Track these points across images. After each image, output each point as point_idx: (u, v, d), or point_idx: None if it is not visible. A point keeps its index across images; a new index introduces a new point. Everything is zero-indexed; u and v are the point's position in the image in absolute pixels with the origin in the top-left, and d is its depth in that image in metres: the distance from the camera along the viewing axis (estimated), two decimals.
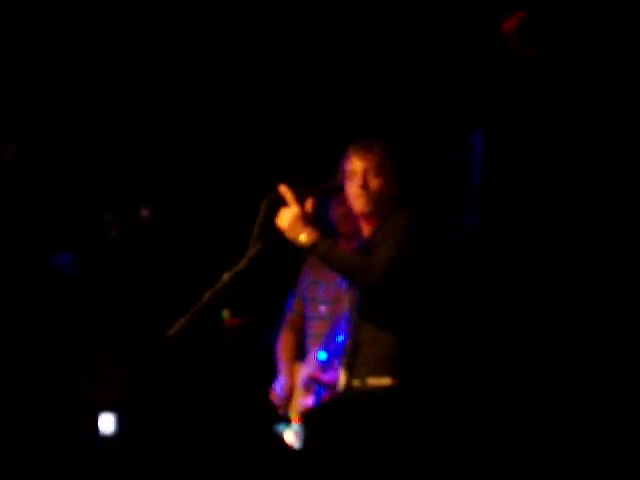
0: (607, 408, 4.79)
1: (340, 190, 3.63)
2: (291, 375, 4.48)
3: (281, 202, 3.52)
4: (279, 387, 4.46)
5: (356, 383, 3.56)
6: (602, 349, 4.92)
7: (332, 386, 4.11)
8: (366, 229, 3.66)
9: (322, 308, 4.39)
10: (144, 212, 5.24)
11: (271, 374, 4.59)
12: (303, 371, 4.41)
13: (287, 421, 4.37)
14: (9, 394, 5.05)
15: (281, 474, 4.39)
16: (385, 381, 3.50)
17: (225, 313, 5.02)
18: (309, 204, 3.52)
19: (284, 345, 4.58)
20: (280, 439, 4.34)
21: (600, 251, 4.96)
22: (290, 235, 3.47)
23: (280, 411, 4.45)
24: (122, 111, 5.32)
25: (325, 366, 4.32)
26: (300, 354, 4.53)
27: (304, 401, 4.38)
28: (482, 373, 4.71)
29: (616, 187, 4.97)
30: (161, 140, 5.42)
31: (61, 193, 5.31)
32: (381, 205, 3.60)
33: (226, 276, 3.47)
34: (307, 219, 3.48)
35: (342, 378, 3.62)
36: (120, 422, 5.18)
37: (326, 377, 4.28)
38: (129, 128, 5.36)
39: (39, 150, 5.28)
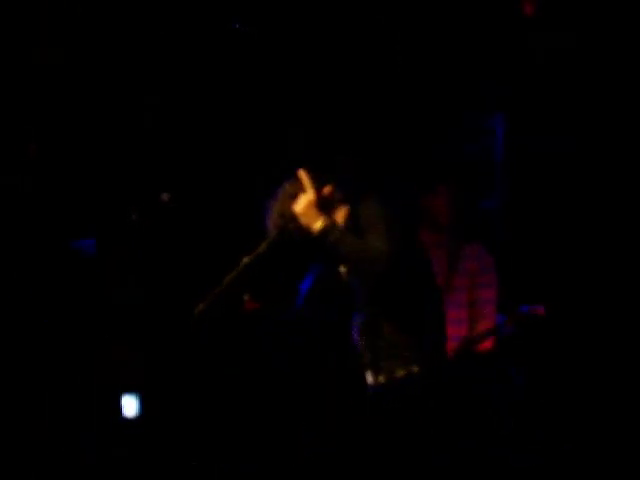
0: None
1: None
2: None
3: (300, 188, 3.52)
4: None
5: (382, 379, 3.58)
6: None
7: None
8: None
9: None
10: (165, 197, 5.28)
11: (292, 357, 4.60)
12: None
13: None
14: (27, 381, 5.09)
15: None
16: (413, 370, 3.53)
17: (245, 297, 5.05)
18: (327, 190, 3.52)
19: None
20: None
21: (621, 242, 4.97)
22: (304, 221, 3.45)
23: None
24: (142, 98, 5.36)
25: None
26: None
27: None
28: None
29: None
30: (182, 125, 5.45)
31: (83, 178, 5.35)
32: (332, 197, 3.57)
33: (246, 260, 3.49)
34: (323, 206, 3.47)
35: (369, 377, 3.63)
36: (142, 404, 5.22)
37: None
38: (148, 114, 5.40)
39: (61, 136, 5.32)
